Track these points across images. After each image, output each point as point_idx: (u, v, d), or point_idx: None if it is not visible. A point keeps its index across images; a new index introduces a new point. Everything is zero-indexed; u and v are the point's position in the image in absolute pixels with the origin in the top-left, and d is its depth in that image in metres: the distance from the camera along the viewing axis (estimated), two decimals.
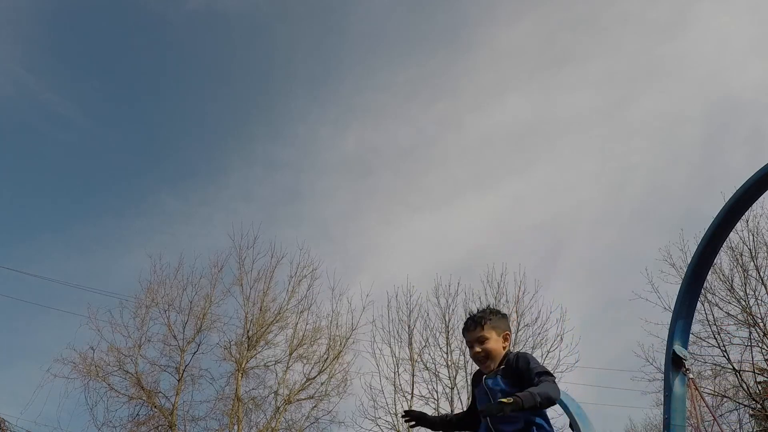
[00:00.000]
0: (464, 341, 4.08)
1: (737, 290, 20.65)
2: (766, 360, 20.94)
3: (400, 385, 22.41)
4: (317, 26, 38.95)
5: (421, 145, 35.73)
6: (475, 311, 4.08)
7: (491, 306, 4.24)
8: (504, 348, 3.91)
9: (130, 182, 34.79)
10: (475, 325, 3.92)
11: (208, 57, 37.44)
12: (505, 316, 4.04)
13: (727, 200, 4.93)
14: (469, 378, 22.36)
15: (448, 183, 35.21)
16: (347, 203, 34.58)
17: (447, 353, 22.76)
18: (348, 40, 39.41)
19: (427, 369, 22.67)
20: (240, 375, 21.59)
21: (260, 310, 22.51)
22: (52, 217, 34.24)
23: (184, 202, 36.50)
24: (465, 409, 4.30)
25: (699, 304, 14.24)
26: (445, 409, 22.13)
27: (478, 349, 3.89)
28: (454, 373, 22.50)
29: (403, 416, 4.22)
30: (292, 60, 38.26)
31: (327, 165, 35.37)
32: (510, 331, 4.02)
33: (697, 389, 5.28)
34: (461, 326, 4.02)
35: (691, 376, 5.13)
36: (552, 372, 3.74)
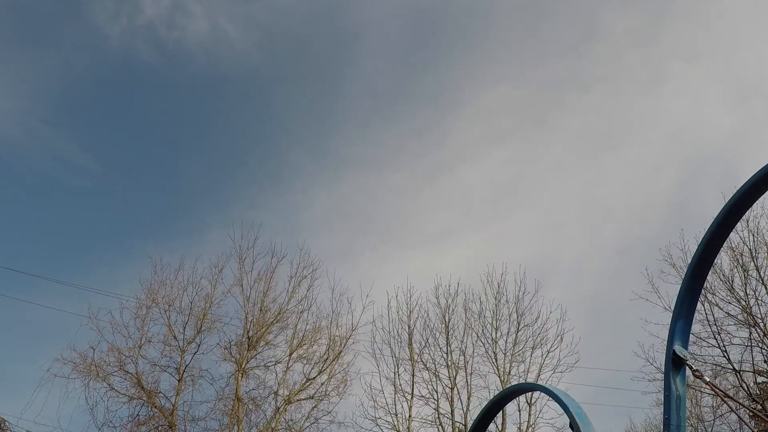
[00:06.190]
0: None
1: (737, 290, 20.64)
2: (766, 361, 20.94)
3: (400, 385, 22.43)
4: (315, 86, 41.23)
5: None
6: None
7: None
8: None
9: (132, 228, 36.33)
10: None
11: (209, 115, 39.59)
12: None
13: (727, 200, 4.92)
14: (470, 378, 22.44)
15: (437, 224, 36.83)
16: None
17: (447, 353, 22.77)
18: (343, 98, 41.58)
19: (427, 369, 22.68)
20: (240, 375, 21.60)
21: (260, 310, 22.52)
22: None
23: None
24: None
25: (699, 304, 14.23)
26: (445, 409, 22.14)
27: None
28: (454, 373, 22.50)
29: None
30: (290, 116, 40.66)
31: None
32: None
33: (704, 381, 5.31)
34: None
35: (694, 368, 5.12)
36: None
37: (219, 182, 38.55)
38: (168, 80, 39.89)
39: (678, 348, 5.12)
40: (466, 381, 22.43)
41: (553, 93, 40.62)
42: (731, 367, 20.94)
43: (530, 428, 21.47)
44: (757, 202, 5.55)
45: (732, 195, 4.95)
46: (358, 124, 41.62)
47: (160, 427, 20.91)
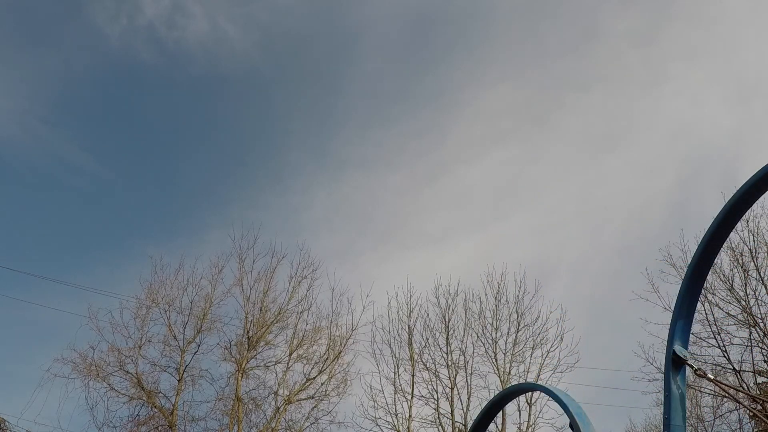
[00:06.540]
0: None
1: (737, 290, 20.65)
2: (766, 361, 20.94)
3: (400, 385, 22.43)
4: (315, 86, 41.35)
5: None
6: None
7: None
8: None
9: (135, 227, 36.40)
10: None
11: (209, 115, 39.68)
12: None
13: (727, 200, 4.92)
14: (470, 378, 22.43)
15: (437, 224, 36.95)
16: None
17: (447, 353, 22.77)
18: (343, 98, 41.73)
19: (427, 369, 22.68)
20: (240, 375, 21.60)
21: (260, 310, 22.52)
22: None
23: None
24: None
25: (699, 304, 14.22)
26: (445, 409, 22.14)
27: None
28: (454, 373, 22.50)
29: None
30: (290, 116, 40.77)
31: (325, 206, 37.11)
32: None
33: (709, 378, 5.30)
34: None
35: (696, 367, 5.11)
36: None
37: (219, 182, 38.62)
38: (168, 80, 40.01)
39: (678, 348, 5.11)
40: (466, 381, 22.45)
41: (553, 93, 40.75)
42: (731, 367, 20.95)
43: (530, 428, 21.48)
44: (757, 202, 5.54)
45: (732, 195, 4.94)
46: (358, 124, 41.73)
47: (160, 427, 20.91)
